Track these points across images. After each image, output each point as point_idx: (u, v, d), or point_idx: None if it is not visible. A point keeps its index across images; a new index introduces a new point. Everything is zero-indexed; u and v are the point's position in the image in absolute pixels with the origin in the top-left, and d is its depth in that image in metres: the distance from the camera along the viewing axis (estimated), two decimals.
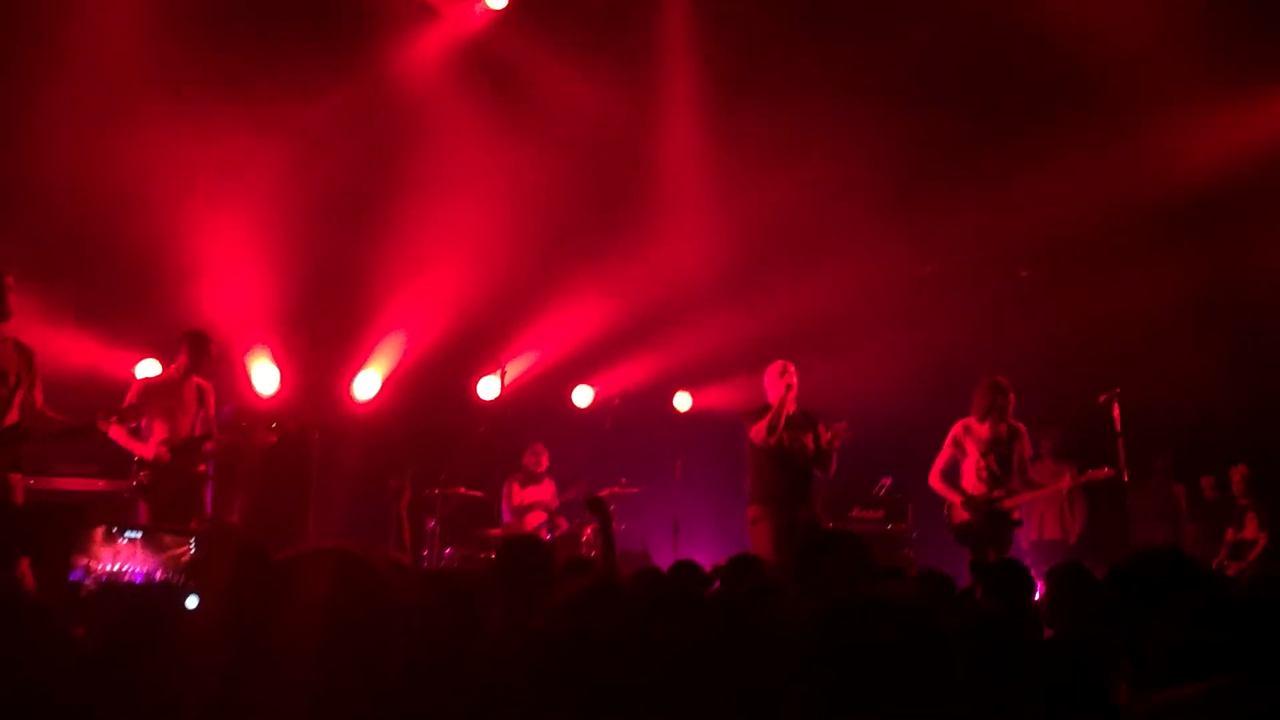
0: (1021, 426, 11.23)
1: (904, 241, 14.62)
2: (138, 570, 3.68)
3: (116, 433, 10.49)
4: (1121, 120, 13.80)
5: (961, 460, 11.17)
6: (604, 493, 13.50)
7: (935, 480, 11.25)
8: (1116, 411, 11.68)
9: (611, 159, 14.86)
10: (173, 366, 11.40)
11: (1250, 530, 12.29)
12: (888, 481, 13.62)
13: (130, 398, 10.96)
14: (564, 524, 13.57)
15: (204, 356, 11.29)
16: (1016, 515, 11.20)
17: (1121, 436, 11.65)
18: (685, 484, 14.08)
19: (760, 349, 14.43)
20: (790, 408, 11.06)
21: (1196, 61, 13.07)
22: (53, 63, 12.51)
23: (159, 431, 10.98)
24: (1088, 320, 13.84)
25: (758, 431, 11.06)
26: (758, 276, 14.83)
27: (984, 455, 11.02)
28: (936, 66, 14.12)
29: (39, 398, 9.43)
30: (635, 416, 15.03)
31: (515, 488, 13.70)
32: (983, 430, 11.10)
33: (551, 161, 14.40)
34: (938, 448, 11.32)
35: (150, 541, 3.71)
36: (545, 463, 13.76)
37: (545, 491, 13.68)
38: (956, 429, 11.24)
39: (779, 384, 11.08)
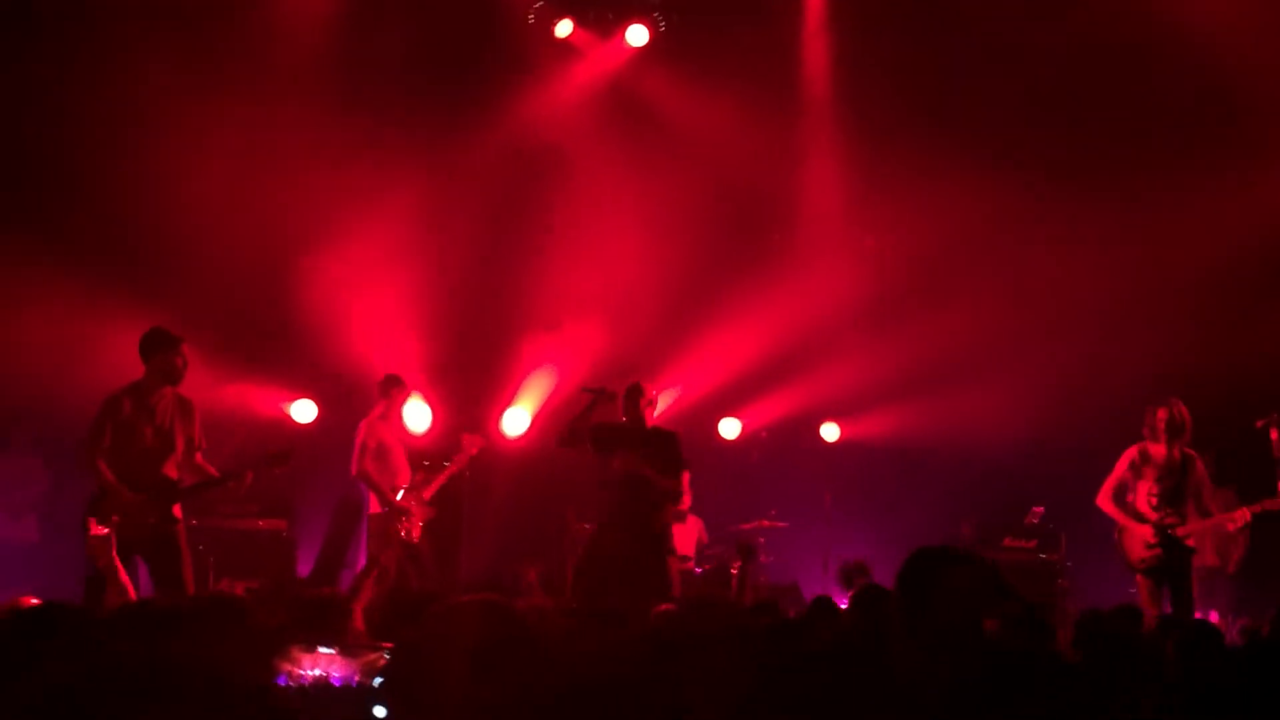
0: (1194, 453, 10.89)
1: (1051, 266, 14.38)
2: (337, 676, 3.79)
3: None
4: None
5: (1133, 484, 10.85)
6: (751, 525, 13.53)
7: (1105, 502, 10.84)
8: (1275, 436, 11.36)
9: (754, 190, 14.87)
10: (379, 409, 11.83)
11: None
12: (1040, 510, 13.40)
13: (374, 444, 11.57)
14: (711, 559, 13.53)
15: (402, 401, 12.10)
16: (1190, 543, 10.81)
17: None
18: (835, 516, 14.00)
19: (907, 376, 14.38)
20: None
21: None
22: (209, 115, 12.89)
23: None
24: (1243, 345, 13.47)
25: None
26: (902, 304, 14.70)
27: (1158, 481, 10.66)
28: (1086, 88, 13.93)
29: (199, 451, 9.71)
30: (783, 448, 14.98)
31: None
32: (1158, 454, 10.77)
33: (694, 194, 14.44)
34: (1091, 475, 11.04)
35: (346, 650, 3.83)
36: (688, 501, 13.68)
37: (690, 529, 13.63)
38: (1131, 452, 10.88)
39: None
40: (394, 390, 11.99)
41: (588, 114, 14.76)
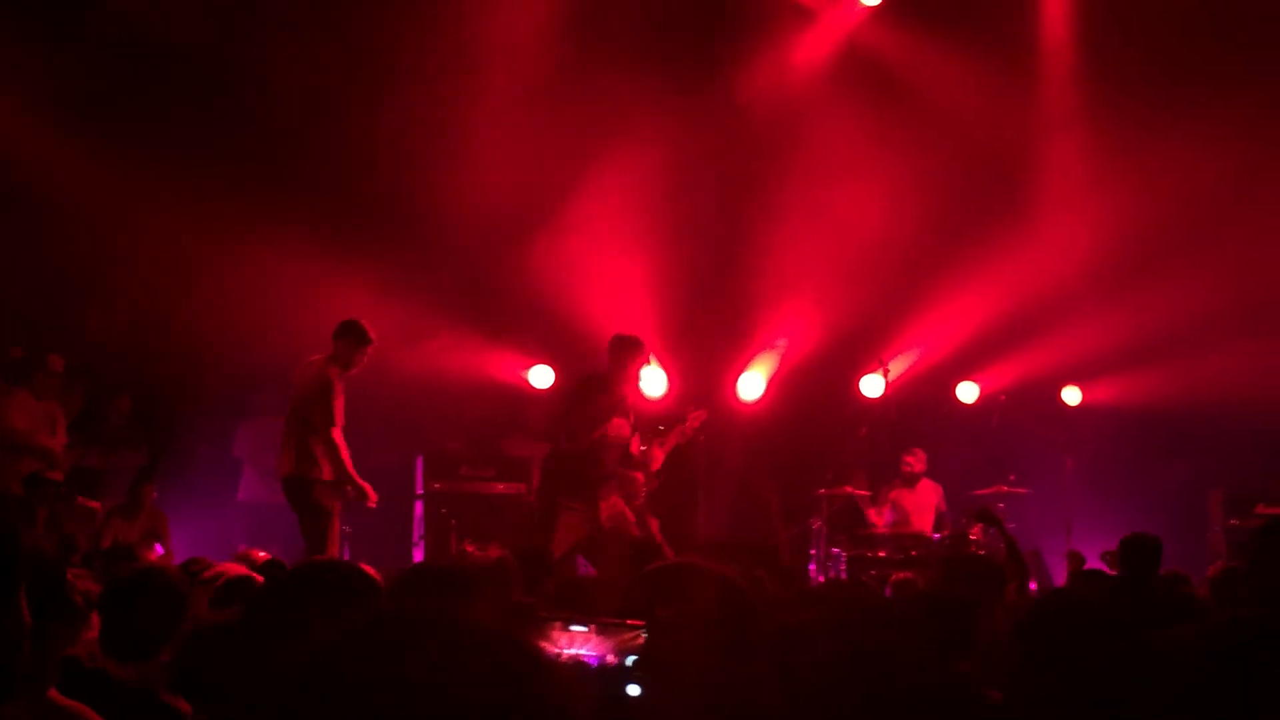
0: None
1: None
2: (593, 655, 3.88)
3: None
4: None
5: None
6: (990, 490, 13.30)
7: None
8: None
9: (989, 151, 14.58)
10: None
11: None
12: None
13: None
14: (949, 525, 13.34)
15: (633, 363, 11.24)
16: None
17: None
18: (1077, 482, 13.70)
19: (1152, 339, 13.97)
20: None
21: None
22: (446, 98, 13.17)
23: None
24: None
25: None
26: (1146, 265, 14.23)
27: None
28: None
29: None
30: (1022, 412, 14.69)
31: (891, 492, 13.49)
32: None
33: (929, 156, 14.26)
34: None
35: (603, 629, 3.91)
36: (921, 466, 13.45)
37: (929, 494, 13.41)
38: None
39: None
40: (624, 353, 11.20)
41: (822, 77, 14.65)
